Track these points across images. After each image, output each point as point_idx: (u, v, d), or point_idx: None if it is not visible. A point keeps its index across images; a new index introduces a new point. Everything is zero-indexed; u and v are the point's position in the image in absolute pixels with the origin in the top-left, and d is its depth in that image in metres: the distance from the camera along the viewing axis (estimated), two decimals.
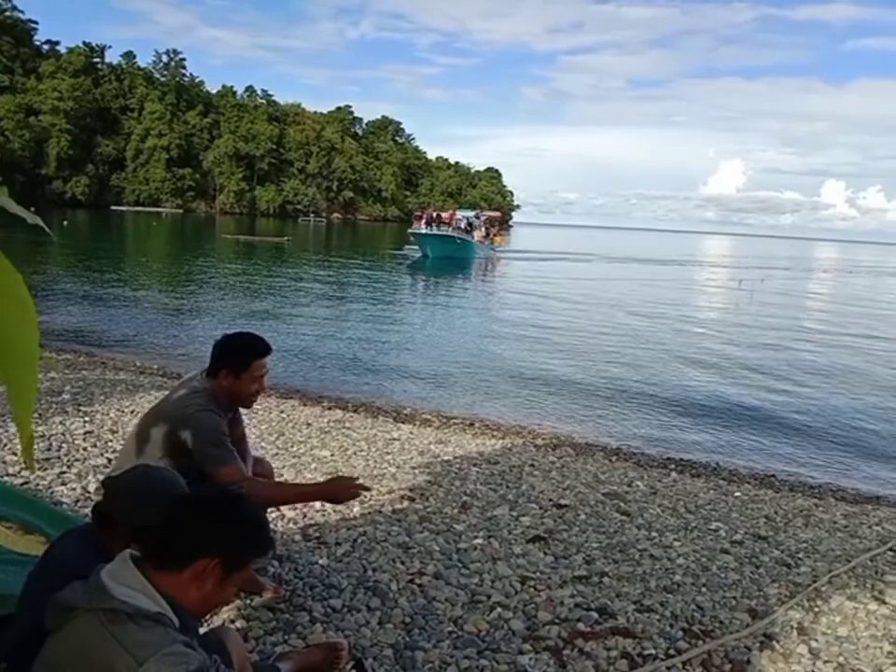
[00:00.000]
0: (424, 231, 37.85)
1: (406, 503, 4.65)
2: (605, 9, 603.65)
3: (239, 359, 2.97)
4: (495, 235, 46.23)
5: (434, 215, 41.32)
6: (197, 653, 1.52)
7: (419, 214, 43.54)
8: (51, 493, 4.14)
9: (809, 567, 4.27)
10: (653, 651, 3.06)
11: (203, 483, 3.00)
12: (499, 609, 3.28)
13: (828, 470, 7.90)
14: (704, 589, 3.77)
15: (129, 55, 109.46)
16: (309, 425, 6.83)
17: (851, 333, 19.47)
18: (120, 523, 1.93)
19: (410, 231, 40.34)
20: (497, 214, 55.69)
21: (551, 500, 5.05)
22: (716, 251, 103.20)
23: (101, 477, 4.18)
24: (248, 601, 3.08)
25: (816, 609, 3.65)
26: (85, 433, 5.48)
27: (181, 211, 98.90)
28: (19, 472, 4.40)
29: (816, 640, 3.29)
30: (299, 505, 4.39)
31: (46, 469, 4.50)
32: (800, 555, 4.48)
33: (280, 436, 6.23)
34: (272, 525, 3.79)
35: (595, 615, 3.31)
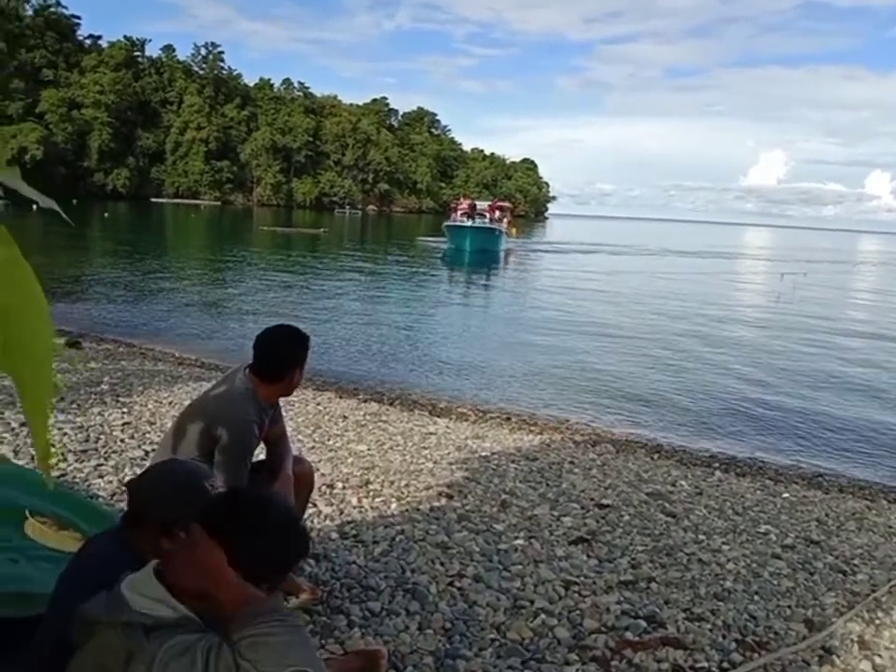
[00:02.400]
0: (468, 224, 36.79)
1: (444, 500, 4.53)
2: None
3: (307, 352, 2.91)
4: (510, 225, 45.44)
5: (474, 205, 40.79)
6: (206, 635, 1.40)
7: (454, 206, 43.01)
8: (88, 486, 4.10)
9: (867, 574, 4.07)
10: (706, 664, 2.90)
11: (272, 479, 2.92)
12: (543, 616, 3.15)
13: (878, 471, 7.60)
14: (756, 597, 3.60)
15: (168, 49, 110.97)
16: (345, 418, 6.76)
17: None
18: (147, 519, 1.86)
19: (445, 224, 39.36)
20: (508, 204, 53.50)
21: (592, 500, 4.89)
22: (756, 243, 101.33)
23: (138, 470, 4.14)
24: (284, 603, 2.99)
25: (877, 622, 3.45)
26: (123, 424, 5.46)
27: (219, 203, 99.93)
28: (55, 465, 4.38)
29: (879, 656, 3.10)
30: (335, 502, 4.31)
31: (83, 462, 4.48)
32: (855, 562, 4.28)
33: (317, 429, 6.17)
34: (308, 523, 3.71)
35: (644, 623, 3.16)
